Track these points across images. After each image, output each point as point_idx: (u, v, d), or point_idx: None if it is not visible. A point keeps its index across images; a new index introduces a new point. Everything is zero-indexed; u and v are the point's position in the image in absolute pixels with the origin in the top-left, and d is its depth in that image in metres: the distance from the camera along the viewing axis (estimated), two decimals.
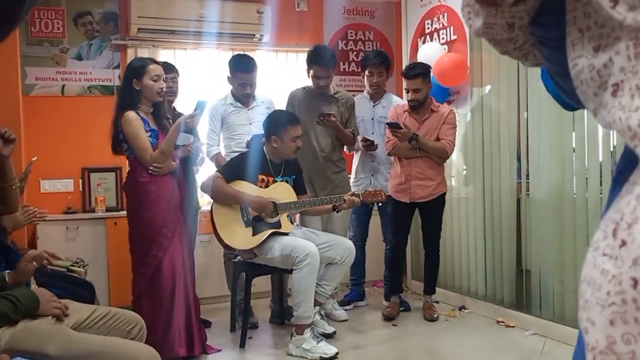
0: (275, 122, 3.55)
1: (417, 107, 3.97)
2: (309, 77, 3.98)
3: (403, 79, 4.04)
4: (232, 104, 3.95)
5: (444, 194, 4.06)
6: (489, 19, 0.64)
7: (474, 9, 0.67)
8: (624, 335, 0.44)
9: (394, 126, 3.88)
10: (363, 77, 4.37)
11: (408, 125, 3.92)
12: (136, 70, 3.19)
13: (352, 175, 4.39)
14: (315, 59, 3.89)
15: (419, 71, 3.92)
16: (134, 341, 2.10)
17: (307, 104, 3.88)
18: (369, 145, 4.11)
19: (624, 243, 0.47)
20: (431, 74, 4.05)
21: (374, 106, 4.32)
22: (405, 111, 4.04)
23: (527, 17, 0.62)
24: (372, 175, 4.30)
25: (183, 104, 4.24)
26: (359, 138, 4.13)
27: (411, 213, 4.13)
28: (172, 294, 3.17)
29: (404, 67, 4.24)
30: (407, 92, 3.99)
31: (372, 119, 4.27)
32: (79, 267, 3.09)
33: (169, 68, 3.81)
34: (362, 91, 4.48)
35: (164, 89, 3.27)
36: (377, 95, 4.32)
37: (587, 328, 0.47)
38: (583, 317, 0.49)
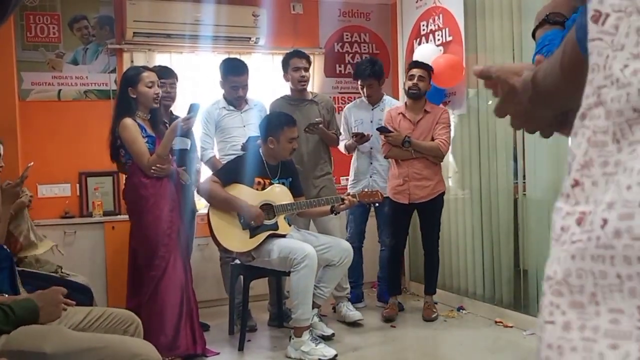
0: (272, 124, 3.56)
1: (416, 96, 4.01)
2: (287, 79, 4.03)
3: (408, 69, 4.11)
4: (224, 107, 3.95)
5: (443, 193, 4.08)
6: None
7: None
8: (578, 270, 0.47)
9: (383, 130, 3.91)
10: (357, 85, 4.47)
11: (402, 128, 3.97)
12: (131, 79, 3.27)
13: (350, 177, 4.42)
14: (293, 53, 4.01)
15: (427, 64, 4.11)
16: (130, 337, 2.10)
17: (290, 111, 3.87)
18: (361, 138, 4.14)
19: (577, 183, 0.49)
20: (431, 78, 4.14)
21: (372, 109, 4.36)
22: (399, 113, 4.07)
23: None
24: (371, 177, 4.31)
25: (179, 107, 4.24)
26: (349, 136, 4.19)
27: (410, 214, 4.15)
28: (181, 294, 3.23)
29: (407, 65, 4.29)
30: (411, 80, 4.03)
31: (371, 121, 4.29)
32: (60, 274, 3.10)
33: (168, 73, 3.82)
34: (359, 94, 4.50)
35: (160, 95, 3.34)
36: (374, 100, 4.36)
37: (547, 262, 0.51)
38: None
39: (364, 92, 4.33)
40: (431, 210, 4.09)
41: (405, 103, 4.12)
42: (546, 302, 0.49)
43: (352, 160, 4.45)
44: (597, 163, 0.47)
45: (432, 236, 4.15)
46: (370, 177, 4.31)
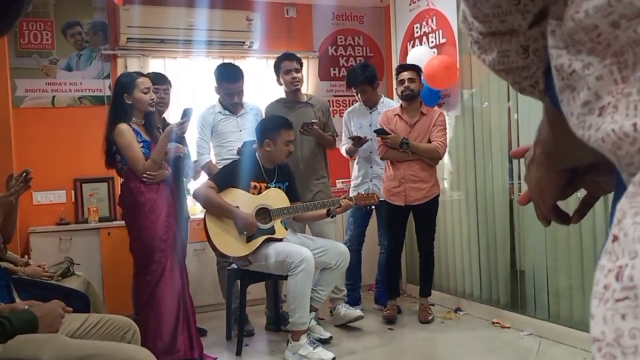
0: (269, 126, 3.57)
1: (410, 97, 4.00)
2: (280, 83, 4.05)
3: (397, 74, 4.10)
4: (220, 112, 3.95)
5: (438, 195, 4.08)
6: (504, 46, 0.63)
7: (482, 45, 0.65)
8: (632, 329, 0.44)
9: (381, 132, 3.91)
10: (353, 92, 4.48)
11: (399, 130, 3.96)
12: (126, 86, 3.26)
13: (352, 181, 4.43)
14: (283, 57, 4.02)
15: (414, 65, 4.10)
16: (128, 344, 2.09)
17: (285, 114, 3.87)
18: (359, 141, 4.14)
19: (615, 238, 0.47)
20: (422, 77, 4.10)
21: (370, 113, 4.36)
22: (395, 115, 4.07)
23: (542, 39, 0.60)
24: (371, 181, 4.31)
25: (173, 112, 4.23)
26: (346, 139, 4.17)
27: (406, 216, 4.15)
28: (178, 299, 3.23)
29: (395, 71, 4.26)
30: (402, 84, 4.01)
31: (370, 125, 4.29)
32: (69, 270, 3.13)
33: (160, 79, 3.82)
34: (354, 97, 4.51)
35: (155, 100, 3.34)
36: (372, 104, 4.36)
37: (590, 321, 0.49)
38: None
39: (359, 98, 4.34)
40: (427, 213, 4.09)
41: (401, 105, 4.12)
42: None
43: (354, 165, 4.46)
44: (630, 214, 0.46)
45: (427, 239, 4.15)
46: (371, 181, 4.31)
